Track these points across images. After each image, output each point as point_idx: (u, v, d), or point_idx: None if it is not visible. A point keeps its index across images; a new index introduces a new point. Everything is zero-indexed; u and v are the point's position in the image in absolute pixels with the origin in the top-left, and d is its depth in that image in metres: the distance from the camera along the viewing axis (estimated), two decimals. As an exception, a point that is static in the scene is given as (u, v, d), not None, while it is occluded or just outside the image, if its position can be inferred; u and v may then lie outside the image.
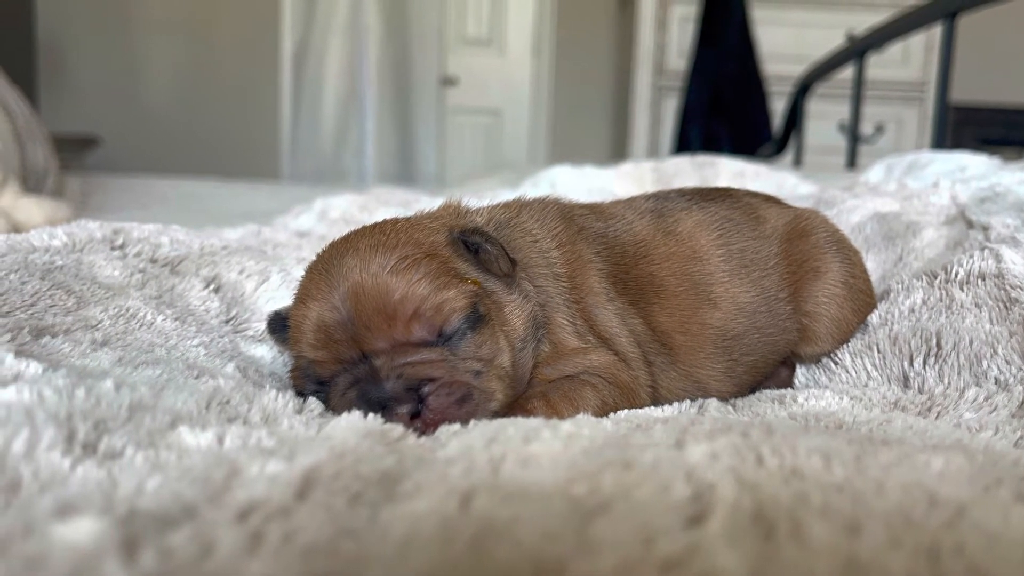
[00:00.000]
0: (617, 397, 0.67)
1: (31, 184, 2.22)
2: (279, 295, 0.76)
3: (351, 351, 0.58)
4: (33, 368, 0.44)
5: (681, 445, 0.41)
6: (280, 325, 0.68)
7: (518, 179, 1.89)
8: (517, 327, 0.65)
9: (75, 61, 4.71)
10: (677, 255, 0.78)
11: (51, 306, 0.60)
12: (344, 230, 1.17)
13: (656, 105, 4.36)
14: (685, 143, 3.78)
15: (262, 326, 0.73)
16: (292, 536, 0.29)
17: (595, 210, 0.81)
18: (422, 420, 0.54)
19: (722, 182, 1.60)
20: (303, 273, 0.65)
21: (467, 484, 0.34)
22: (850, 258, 0.85)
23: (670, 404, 0.75)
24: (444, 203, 0.75)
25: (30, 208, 1.89)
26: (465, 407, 0.56)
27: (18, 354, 0.46)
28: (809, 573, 0.29)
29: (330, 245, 0.65)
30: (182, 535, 0.29)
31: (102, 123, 4.55)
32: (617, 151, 4.81)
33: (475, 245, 0.65)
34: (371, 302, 0.57)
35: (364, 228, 0.66)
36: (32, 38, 4.61)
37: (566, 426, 0.45)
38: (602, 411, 0.66)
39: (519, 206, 0.78)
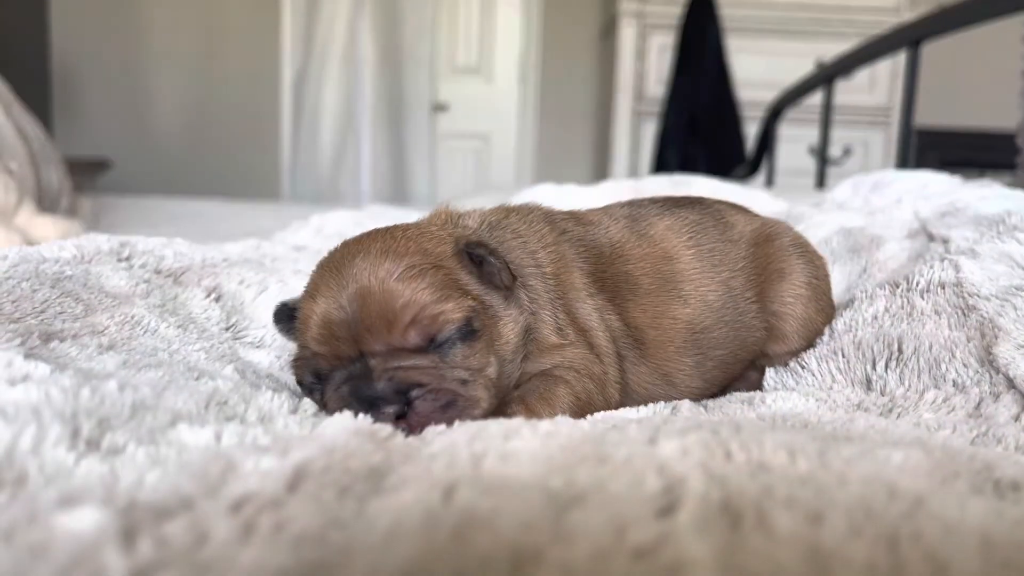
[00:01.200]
0: (589, 389, 0.68)
1: (46, 204, 2.22)
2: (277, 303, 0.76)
3: (350, 349, 0.58)
4: (42, 369, 0.44)
5: (654, 442, 0.41)
6: (285, 315, 0.68)
7: (505, 199, 1.90)
8: (510, 339, 0.65)
9: (88, 89, 4.71)
10: (650, 255, 0.79)
11: (60, 312, 0.60)
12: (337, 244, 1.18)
13: (636, 129, 4.39)
14: (663, 165, 3.80)
15: (260, 333, 0.73)
16: (283, 526, 0.29)
17: (574, 216, 0.83)
18: (407, 422, 0.54)
19: (698, 200, 1.61)
20: (315, 267, 0.65)
21: (450, 477, 0.34)
22: (813, 262, 0.86)
23: (643, 401, 0.75)
24: (436, 210, 0.76)
25: (45, 226, 1.88)
26: (449, 412, 0.56)
27: (28, 356, 0.46)
28: (774, 561, 0.28)
29: (343, 244, 0.66)
30: (178, 525, 0.28)
31: (113, 147, 4.54)
32: (599, 173, 4.82)
33: (479, 257, 0.65)
34: (375, 306, 0.57)
35: (377, 231, 0.66)
36: (47, 67, 4.61)
37: (545, 425, 0.45)
38: (575, 405, 0.66)
39: (507, 211, 0.79)
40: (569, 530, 0.30)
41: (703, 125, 3.76)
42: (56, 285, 0.63)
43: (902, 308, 0.82)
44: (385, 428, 0.47)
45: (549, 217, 0.79)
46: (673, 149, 3.80)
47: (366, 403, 0.54)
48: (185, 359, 0.61)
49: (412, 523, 0.30)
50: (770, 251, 0.84)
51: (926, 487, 0.37)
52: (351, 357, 0.58)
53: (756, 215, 0.91)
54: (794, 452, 0.40)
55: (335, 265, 0.62)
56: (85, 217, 2.41)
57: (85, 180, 3.43)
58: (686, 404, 0.73)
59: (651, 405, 0.71)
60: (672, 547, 0.29)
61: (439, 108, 5.01)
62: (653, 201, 0.87)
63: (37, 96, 4.38)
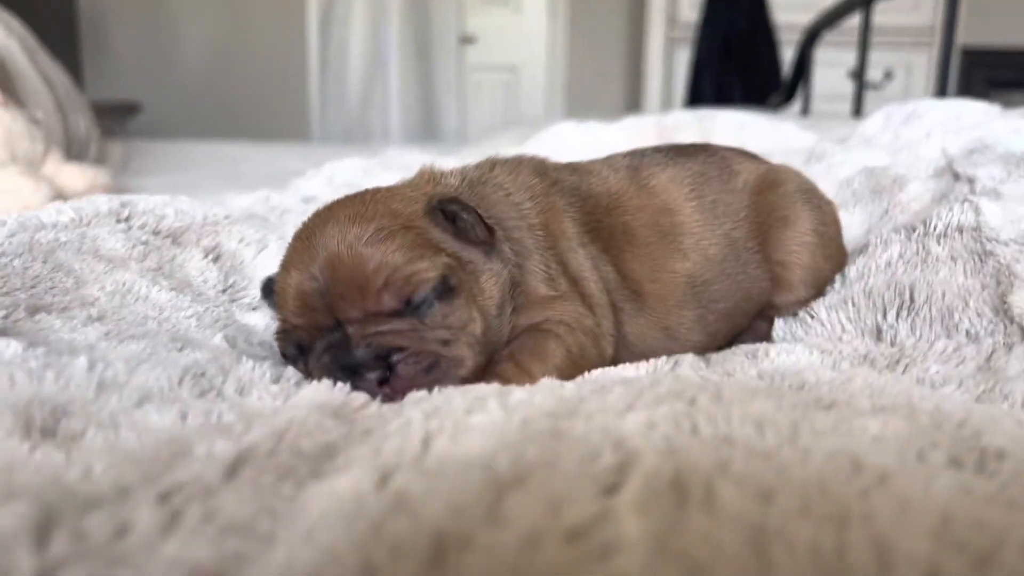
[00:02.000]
0: (582, 343, 0.67)
1: (74, 152, 2.24)
2: (276, 262, 0.76)
3: (327, 319, 0.58)
4: (13, 348, 0.44)
5: (625, 413, 0.40)
6: (271, 290, 0.68)
7: (532, 134, 1.86)
8: (493, 294, 0.64)
9: (116, 32, 4.70)
10: (649, 207, 0.77)
11: (51, 288, 0.60)
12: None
13: (669, 57, 4.26)
14: (698, 93, 3.70)
15: (258, 294, 0.72)
16: (212, 515, 0.29)
17: (571, 167, 0.80)
18: (390, 387, 0.54)
19: (721, 135, 1.56)
20: (291, 240, 0.65)
21: (393, 461, 0.33)
22: (820, 208, 0.83)
23: (644, 354, 0.74)
24: (420, 169, 0.74)
25: (72, 175, 1.90)
26: (432, 374, 0.56)
27: (0, 333, 0.46)
28: (713, 542, 0.27)
29: (314, 213, 0.65)
30: (100, 517, 0.28)
31: (143, 90, 4.55)
32: (631, 103, 4.72)
33: (452, 213, 0.63)
34: (345, 272, 0.57)
35: (348, 197, 0.65)
36: (74, 11, 4.60)
37: (518, 394, 0.44)
38: (567, 360, 0.65)
39: (492, 164, 0.77)
40: (504, 513, 0.29)
41: (738, 51, 3.64)
42: (49, 259, 0.63)
43: (916, 254, 0.79)
44: (359, 399, 0.46)
45: (539, 168, 0.77)
46: (707, 76, 3.68)
47: (347, 371, 0.54)
48: (174, 327, 0.61)
49: (340, 510, 0.29)
50: (774, 198, 0.81)
51: (895, 462, 0.36)
52: (329, 326, 0.58)
53: (764, 161, 0.87)
54: (763, 425, 0.38)
55: (306, 235, 0.61)
56: (114, 163, 2.43)
57: (115, 124, 3.46)
58: (688, 359, 0.72)
59: (652, 361, 0.70)
60: (608, 527, 0.28)
61: (467, 40, 4.91)
62: (657, 150, 0.84)
63: (66, 40, 4.39)
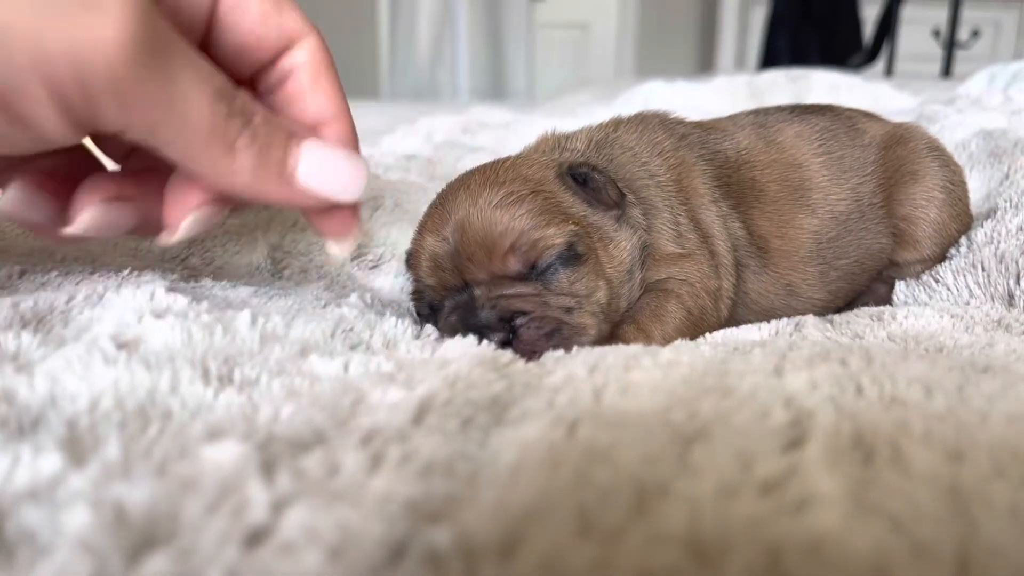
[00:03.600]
0: (703, 305, 0.66)
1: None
2: (392, 219, 0.76)
3: (456, 279, 0.59)
4: (180, 303, 0.45)
5: (780, 372, 0.40)
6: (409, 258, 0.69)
7: (611, 95, 1.83)
8: (624, 260, 0.63)
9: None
10: (778, 162, 0.76)
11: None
12: (449, 154, 1.17)
13: (744, 15, 4.15)
14: (773, 53, 3.59)
15: (379, 251, 0.72)
16: (410, 457, 0.30)
17: (696, 123, 0.79)
18: (514, 348, 0.54)
19: (816, 95, 1.51)
20: (428, 206, 0.66)
21: (571, 413, 0.33)
22: (949, 166, 0.80)
23: (763, 311, 0.73)
24: (542, 135, 0.74)
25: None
26: (554, 340, 0.56)
27: (169, 290, 0.47)
28: (910, 499, 0.27)
29: (451, 183, 0.66)
30: (311, 458, 0.29)
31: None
32: (703, 63, 4.61)
33: (582, 176, 0.63)
34: (474, 235, 0.57)
35: (480, 166, 0.66)
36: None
37: (666, 353, 0.44)
38: (687, 321, 0.65)
39: (616, 123, 0.76)
40: (693, 464, 0.29)
41: (817, 8, 3.52)
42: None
43: (1052, 220, 0.75)
44: (506, 354, 0.46)
45: (666, 124, 0.76)
46: (783, 36, 3.58)
47: (473, 331, 0.55)
48: (310, 286, 0.63)
49: (537, 457, 0.30)
50: (903, 152, 0.78)
51: None
52: (457, 287, 0.59)
53: (888, 121, 0.85)
54: (930, 388, 0.37)
55: (440, 201, 0.62)
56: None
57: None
58: (811, 320, 0.70)
59: (774, 323, 0.68)
60: (800, 481, 0.28)
61: (536, -3, 4.84)
62: (780, 108, 0.83)
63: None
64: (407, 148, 1.18)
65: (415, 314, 0.63)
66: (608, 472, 0.28)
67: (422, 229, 0.62)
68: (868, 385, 0.38)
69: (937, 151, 0.80)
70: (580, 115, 1.46)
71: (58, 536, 0.24)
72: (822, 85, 1.55)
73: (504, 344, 0.55)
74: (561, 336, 0.57)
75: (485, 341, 0.50)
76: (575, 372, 0.40)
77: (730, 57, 4.16)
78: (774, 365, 0.41)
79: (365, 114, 2.58)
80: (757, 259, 0.73)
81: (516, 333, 0.55)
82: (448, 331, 0.57)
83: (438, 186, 0.68)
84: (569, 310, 0.58)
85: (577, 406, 0.35)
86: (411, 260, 0.63)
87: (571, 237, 0.59)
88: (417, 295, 0.62)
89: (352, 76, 4.82)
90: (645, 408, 0.35)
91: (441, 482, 0.28)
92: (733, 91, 1.55)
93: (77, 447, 0.29)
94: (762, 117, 0.81)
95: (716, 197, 0.72)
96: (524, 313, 0.56)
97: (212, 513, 0.25)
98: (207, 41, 0.44)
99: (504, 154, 0.73)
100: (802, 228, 0.74)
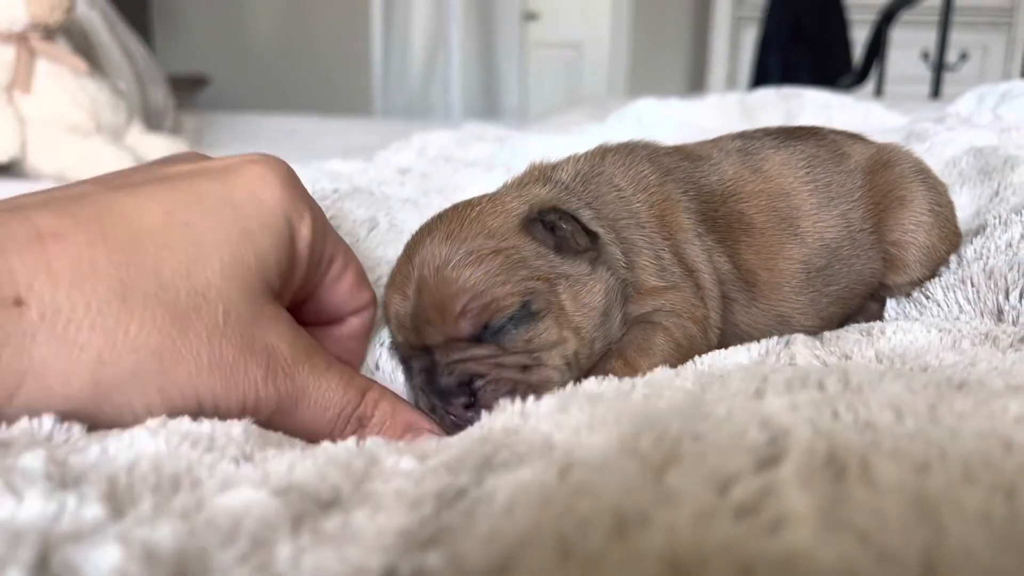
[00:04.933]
0: (692, 334, 0.66)
1: (152, 123, 2.28)
2: (388, 238, 0.76)
3: (418, 340, 0.59)
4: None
5: (758, 398, 0.41)
6: None
7: (603, 113, 1.84)
8: (596, 304, 0.62)
9: (185, 5, 4.78)
10: (765, 192, 0.75)
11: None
12: (443, 168, 1.17)
13: (735, 35, 4.19)
14: (764, 73, 3.63)
15: (380, 271, 0.72)
16: (406, 491, 0.32)
17: (682, 151, 0.78)
18: (476, 411, 0.54)
19: (808, 114, 1.53)
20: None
21: (564, 459, 0.34)
22: (936, 188, 0.81)
23: (756, 341, 0.72)
24: (530, 165, 0.73)
25: (154, 145, 1.94)
26: (513, 400, 0.56)
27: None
28: (876, 510, 0.28)
29: (421, 227, 0.65)
30: (330, 518, 0.31)
31: (211, 63, 4.62)
32: (695, 82, 4.65)
33: (550, 224, 0.62)
34: (429, 297, 0.57)
35: (454, 208, 0.65)
36: (145, -16, 4.68)
37: (638, 383, 0.45)
38: (675, 352, 0.64)
39: (603, 153, 0.74)
40: (669, 491, 0.30)
41: (807, 29, 3.56)
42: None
43: (1040, 235, 0.76)
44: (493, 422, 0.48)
45: (653, 156, 0.75)
46: (775, 55, 3.61)
47: (437, 394, 0.56)
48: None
49: (531, 494, 0.31)
50: (890, 177, 0.79)
51: None
52: (421, 347, 0.59)
53: (872, 142, 0.85)
54: (902, 409, 0.38)
55: (407, 253, 0.62)
56: (188, 135, 2.47)
57: (185, 96, 3.52)
58: (800, 339, 0.70)
59: (764, 342, 0.69)
60: (775, 500, 0.28)
61: (530, 17, 4.89)
62: (767, 132, 0.82)
63: (138, 13, 4.47)
64: (401, 162, 1.18)
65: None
66: (589, 504, 0.29)
67: (391, 283, 0.62)
68: (843, 411, 0.38)
69: (923, 173, 0.81)
70: (574, 132, 1.47)
71: (97, 571, 0.26)
72: (814, 104, 1.57)
73: (468, 407, 0.56)
74: (520, 396, 0.54)
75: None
76: (541, 421, 0.41)
77: (722, 76, 4.20)
78: (754, 388, 0.42)
79: (358, 131, 2.60)
80: (745, 292, 0.73)
81: (476, 396, 0.56)
82: (417, 388, 0.58)
83: (432, 200, 0.68)
84: (526, 368, 0.58)
85: (562, 449, 0.36)
86: (384, 312, 0.63)
87: (525, 296, 0.58)
88: (392, 348, 0.63)
89: (345, 94, 4.84)
90: (614, 438, 0.36)
91: (438, 513, 0.30)
92: (725, 109, 1.56)
93: (116, 500, 0.31)
94: (748, 143, 0.80)
95: (701, 232, 0.71)
96: (480, 376, 0.56)
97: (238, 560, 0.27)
98: (304, 302, 0.55)
99: (497, 170, 0.73)
100: (791, 259, 0.74)
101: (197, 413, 0.40)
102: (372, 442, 0.42)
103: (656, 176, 0.72)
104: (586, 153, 0.75)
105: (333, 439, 0.44)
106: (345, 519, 0.30)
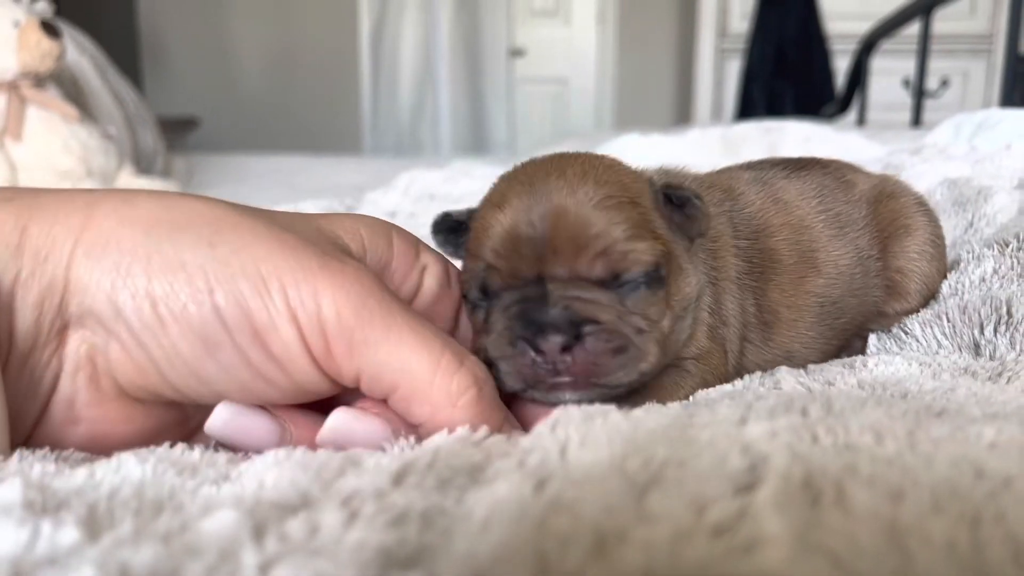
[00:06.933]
0: (708, 381, 0.65)
1: (142, 166, 2.30)
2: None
3: (531, 269, 0.54)
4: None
5: (742, 424, 0.41)
6: (446, 226, 0.63)
7: (590, 147, 1.86)
8: (688, 294, 0.60)
9: (174, 48, 4.83)
10: (789, 224, 0.73)
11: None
12: (429, 206, 1.19)
13: (719, 68, 4.25)
14: (748, 104, 3.69)
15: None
16: (386, 510, 0.31)
17: (707, 181, 0.74)
18: (572, 356, 0.51)
19: (788, 147, 1.56)
20: (499, 179, 0.60)
21: (542, 472, 0.35)
22: (935, 220, 0.82)
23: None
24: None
25: (145, 187, 1.95)
26: (617, 358, 0.52)
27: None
28: (850, 536, 0.29)
29: (531, 161, 0.61)
30: (295, 522, 0.31)
31: (200, 105, 4.66)
32: (681, 114, 4.71)
33: (681, 200, 0.59)
34: (568, 228, 0.53)
35: (567, 155, 0.60)
36: (135, 29, 4.74)
37: (635, 411, 0.46)
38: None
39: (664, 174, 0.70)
40: (649, 511, 0.31)
41: (790, 60, 3.62)
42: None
43: (1012, 269, 0.78)
44: (482, 432, 0.46)
45: (699, 184, 0.71)
46: (759, 86, 3.67)
47: (533, 327, 0.51)
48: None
49: (507, 511, 0.31)
50: (895, 207, 0.80)
51: (1016, 468, 0.36)
52: (529, 278, 0.54)
53: (872, 173, 0.87)
54: (881, 434, 0.39)
55: (526, 179, 0.56)
56: (178, 176, 2.49)
57: (175, 138, 3.54)
58: (783, 369, 0.72)
59: (747, 376, 0.70)
60: (750, 523, 0.29)
61: (516, 53, 4.95)
62: (774, 164, 0.81)
63: (127, 57, 4.52)
64: (388, 205, 1.20)
65: (461, 295, 0.58)
66: (567, 521, 0.30)
67: (501, 203, 0.56)
68: (823, 434, 0.39)
69: (925, 207, 0.82)
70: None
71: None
72: (795, 137, 1.60)
73: (564, 348, 0.51)
74: (627, 356, 0.53)
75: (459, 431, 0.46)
76: (540, 433, 0.42)
77: (707, 110, 4.25)
78: (739, 415, 0.43)
79: (347, 170, 2.63)
80: (761, 332, 0.72)
81: (581, 340, 0.51)
82: (503, 322, 0.53)
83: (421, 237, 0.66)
84: (640, 331, 0.54)
85: (546, 465, 0.36)
86: (476, 234, 0.57)
87: (659, 257, 0.56)
88: (471, 276, 0.56)
89: (334, 132, 4.89)
90: (603, 458, 0.36)
91: (417, 533, 0.30)
92: (707, 144, 1.59)
93: (94, 524, 0.31)
94: (762, 174, 0.78)
95: (741, 274, 0.69)
96: (596, 321, 0.52)
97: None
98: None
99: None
100: (810, 292, 0.73)
101: None
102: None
103: (712, 208, 0.67)
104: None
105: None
106: (317, 532, 0.31)
